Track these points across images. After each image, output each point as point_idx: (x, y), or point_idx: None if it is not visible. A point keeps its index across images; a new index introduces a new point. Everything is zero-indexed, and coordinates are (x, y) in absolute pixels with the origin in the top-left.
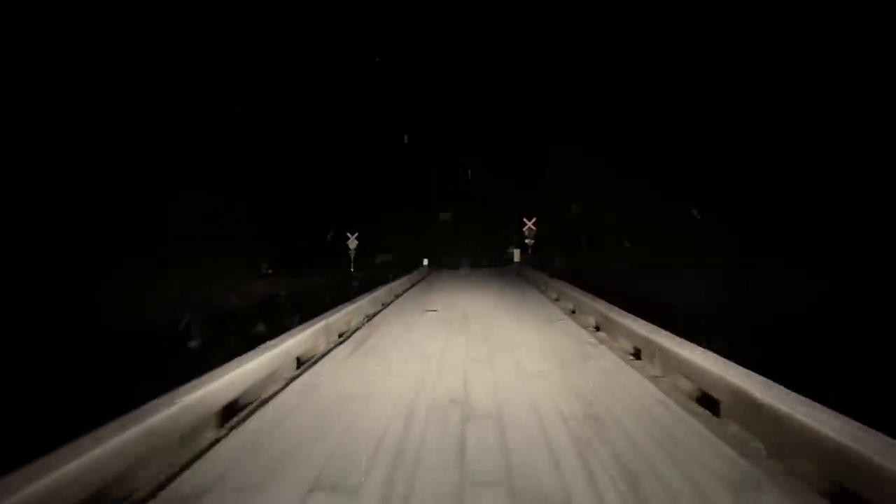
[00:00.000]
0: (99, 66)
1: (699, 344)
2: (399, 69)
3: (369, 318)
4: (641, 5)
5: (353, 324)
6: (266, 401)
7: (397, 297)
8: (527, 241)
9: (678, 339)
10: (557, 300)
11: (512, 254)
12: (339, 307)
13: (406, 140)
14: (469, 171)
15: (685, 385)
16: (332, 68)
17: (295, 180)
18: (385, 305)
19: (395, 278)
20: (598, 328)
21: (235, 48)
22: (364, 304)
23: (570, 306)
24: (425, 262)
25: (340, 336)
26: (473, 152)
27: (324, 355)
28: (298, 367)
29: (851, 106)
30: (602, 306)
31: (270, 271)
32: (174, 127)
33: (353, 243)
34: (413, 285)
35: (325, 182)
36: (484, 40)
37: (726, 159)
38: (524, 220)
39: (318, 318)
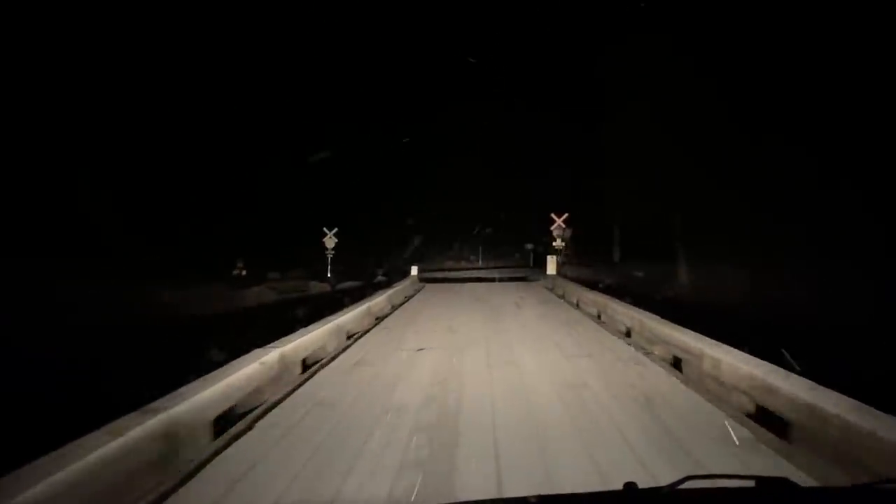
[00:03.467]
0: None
1: None
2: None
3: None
4: None
5: None
6: None
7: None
8: (555, 244)
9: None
10: None
11: (545, 263)
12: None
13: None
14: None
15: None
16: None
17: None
18: (298, 381)
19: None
20: None
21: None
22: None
23: None
24: (414, 270)
25: None
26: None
27: None
28: None
29: None
30: None
31: (245, 272)
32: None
33: (330, 241)
34: (386, 316)
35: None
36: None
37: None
38: (552, 216)
39: None
